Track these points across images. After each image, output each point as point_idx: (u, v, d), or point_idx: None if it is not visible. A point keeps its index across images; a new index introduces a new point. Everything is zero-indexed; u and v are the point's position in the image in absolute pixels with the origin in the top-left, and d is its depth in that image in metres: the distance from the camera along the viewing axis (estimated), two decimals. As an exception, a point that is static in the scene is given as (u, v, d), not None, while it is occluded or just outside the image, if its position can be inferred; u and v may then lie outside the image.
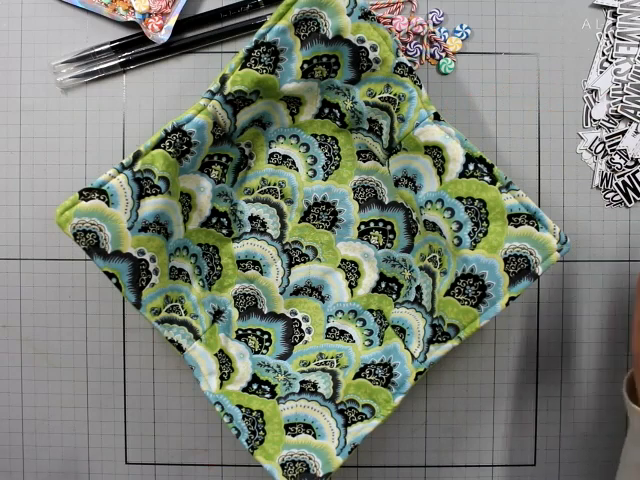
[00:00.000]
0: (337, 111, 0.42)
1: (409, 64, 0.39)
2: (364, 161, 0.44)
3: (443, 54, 0.45)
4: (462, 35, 0.45)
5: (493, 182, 0.37)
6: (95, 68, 0.44)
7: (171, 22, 0.43)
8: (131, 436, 0.47)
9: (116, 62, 0.44)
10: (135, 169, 0.37)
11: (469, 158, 0.37)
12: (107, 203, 0.36)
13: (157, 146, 0.37)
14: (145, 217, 0.37)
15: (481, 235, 0.37)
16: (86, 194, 0.36)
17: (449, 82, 0.45)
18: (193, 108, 0.38)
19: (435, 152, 0.38)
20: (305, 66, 0.39)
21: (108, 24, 0.45)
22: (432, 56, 0.45)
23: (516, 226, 0.36)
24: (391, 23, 0.45)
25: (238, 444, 0.40)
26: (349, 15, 0.37)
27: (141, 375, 0.46)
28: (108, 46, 0.44)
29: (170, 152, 0.37)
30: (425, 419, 0.47)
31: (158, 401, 0.46)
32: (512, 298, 0.37)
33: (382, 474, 0.47)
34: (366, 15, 0.38)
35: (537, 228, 0.36)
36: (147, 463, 0.47)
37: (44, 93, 0.45)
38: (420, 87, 0.39)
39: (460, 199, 0.37)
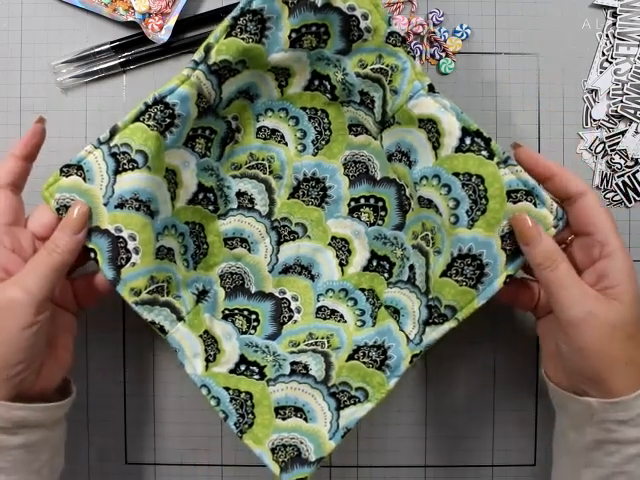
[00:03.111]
0: (327, 83, 0.41)
1: (402, 33, 0.37)
2: (355, 135, 0.42)
3: (443, 54, 0.45)
4: (462, 35, 0.45)
5: (491, 157, 0.36)
6: (95, 68, 0.44)
7: (171, 22, 0.43)
8: (131, 436, 0.47)
9: (116, 62, 0.44)
10: (112, 144, 0.36)
11: (465, 132, 0.36)
12: (84, 179, 0.36)
13: (136, 120, 0.36)
14: (122, 193, 0.36)
15: (479, 213, 0.36)
16: (66, 170, 0.36)
17: (449, 82, 0.45)
18: (176, 78, 0.36)
19: (430, 126, 0.37)
20: (293, 35, 0.38)
21: (108, 24, 0.45)
22: (432, 56, 0.45)
23: (514, 202, 0.35)
24: (391, 23, 0.45)
25: (238, 444, 0.40)
26: None
27: (141, 375, 0.46)
28: (108, 46, 0.44)
29: (149, 125, 0.36)
30: (425, 419, 0.47)
31: (158, 401, 0.46)
32: (509, 276, 0.36)
33: (382, 474, 0.47)
34: None
35: (535, 204, 0.35)
36: (147, 463, 0.47)
37: (44, 93, 0.45)
38: (414, 57, 0.37)
39: (457, 175, 0.36)
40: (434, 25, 0.45)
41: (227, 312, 0.42)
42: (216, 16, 0.44)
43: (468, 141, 0.36)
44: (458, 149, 0.36)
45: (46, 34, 0.45)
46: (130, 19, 0.43)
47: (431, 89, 0.37)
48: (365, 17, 0.37)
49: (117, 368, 0.46)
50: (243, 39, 0.36)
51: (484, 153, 0.36)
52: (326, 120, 0.42)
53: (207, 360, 0.39)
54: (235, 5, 0.44)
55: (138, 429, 0.47)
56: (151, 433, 0.47)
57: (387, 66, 0.38)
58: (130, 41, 0.44)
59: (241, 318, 0.42)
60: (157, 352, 0.46)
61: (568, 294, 0.34)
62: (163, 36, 0.43)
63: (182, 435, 0.47)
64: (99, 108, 0.45)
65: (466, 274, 0.36)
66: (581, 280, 0.34)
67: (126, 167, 0.36)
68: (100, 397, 0.46)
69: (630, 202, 0.46)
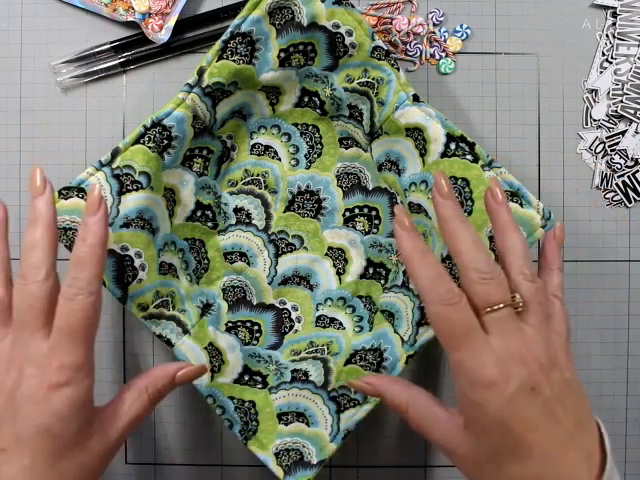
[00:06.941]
0: (317, 99, 0.42)
1: (385, 47, 0.39)
2: (346, 148, 0.44)
3: (443, 54, 0.45)
4: (462, 35, 0.45)
5: (475, 160, 0.37)
6: (95, 68, 0.44)
7: (171, 22, 0.43)
8: (131, 436, 0.47)
9: (116, 62, 0.44)
10: (114, 166, 0.37)
11: (450, 137, 0.37)
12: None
13: (136, 142, 0.37)
14: (127, 213, 0.37)
15: (466, 215, 0.37)
16: (65, 193, 0.37)
17: (449, 82, 0.45)
18: (172, 102, 0.38)
19: (416, 134, 0.38)
20: (282, 55, 0.39)
21: (108, 24, 0.45)
22: (432, 56, 0.45)
23: None
24: (391, 23, 0.45)
25: (238, 444, 0.40)
26: (323, 1, 0.38)
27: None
28: (108, 46, 0.44)
29: (150, 147, 0.37)
30: (425, 419, 0.47)
31: (158, 401, 0.46)
32: None
33: (382, 474, 0.47)
34: (340, 0, 0.38)
35: (521, 205, 0.36)
36: (147, 463, 0.47)
37: (44, 93, 0.45)
38: (398, 70, 0.39)
39: None
40: (434, 25, 0.45)
41: (230, 324, 0.43)
42: (216, 16, 0.44)
43: (453, 146, 0.37)
44: (444, 154, 0.37)
45: (46, 34, 0.45)
46: (130, 19, 0.43)
47: (416, 99, 0.38)
48: (350, 34, 0.38)
49: (117, 368, 0.46)
50: (234, 61, 0.38)
51: (469, 157, 0.37)
52: (317, 135, 0.44)
53: (212, 371, 0.40)
54: (235, 6, 0.44)
55: (138, 429, 0.47)
56: (151, 433, 0.47)
57: (373, 79, 0.39)
58: (130, 41, 0.44)
59: (244, 330, 0.43)
60: (157, 352, 0.46)
61: (423, 422, 0.34)
62: (163, 36, 0.43)
63: (182, 435, 0.47)
64: (99, 108, 0.45)
65: (454, 274, 0.37)
66: (435, 407, 0.34)
67: (130, 188, 0.37)
68: (100, 397, 0.46)
69: (630, 202, 0.46)
